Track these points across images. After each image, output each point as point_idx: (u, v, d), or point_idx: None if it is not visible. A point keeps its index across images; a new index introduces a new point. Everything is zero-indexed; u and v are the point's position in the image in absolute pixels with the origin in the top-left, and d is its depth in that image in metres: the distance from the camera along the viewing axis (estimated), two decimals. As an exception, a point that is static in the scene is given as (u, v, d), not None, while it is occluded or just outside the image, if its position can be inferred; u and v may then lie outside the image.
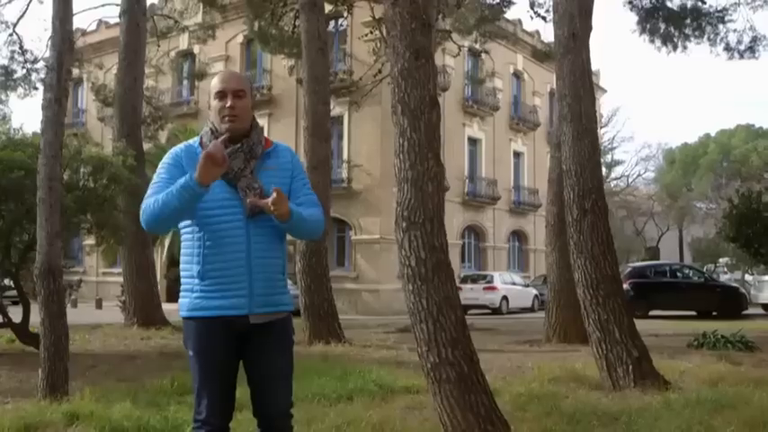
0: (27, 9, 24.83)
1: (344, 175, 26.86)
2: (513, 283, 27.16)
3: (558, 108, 8.64)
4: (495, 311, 24.92)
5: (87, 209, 10.98)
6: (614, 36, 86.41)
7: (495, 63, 29.24)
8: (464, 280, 25.50)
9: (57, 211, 6.70)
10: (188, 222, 3.01)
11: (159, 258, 24.90)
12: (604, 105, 44.36)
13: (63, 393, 6.33)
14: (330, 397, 6.29)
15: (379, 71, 18.39)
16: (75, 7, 7.68)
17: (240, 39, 29.82)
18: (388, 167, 24.55)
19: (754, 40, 16.25)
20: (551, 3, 9.90)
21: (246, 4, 18.59)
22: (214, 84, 3.05)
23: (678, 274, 23.55)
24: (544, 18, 17.24)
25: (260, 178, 2.98)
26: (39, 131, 8.62)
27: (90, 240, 17.37)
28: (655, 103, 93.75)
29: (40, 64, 20.54)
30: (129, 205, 14.06)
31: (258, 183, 2.96)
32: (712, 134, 59.29)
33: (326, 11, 14.72)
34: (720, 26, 16.03)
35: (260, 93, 27.87)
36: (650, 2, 15.84)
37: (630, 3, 15.88)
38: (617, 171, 54.36)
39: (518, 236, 35.81)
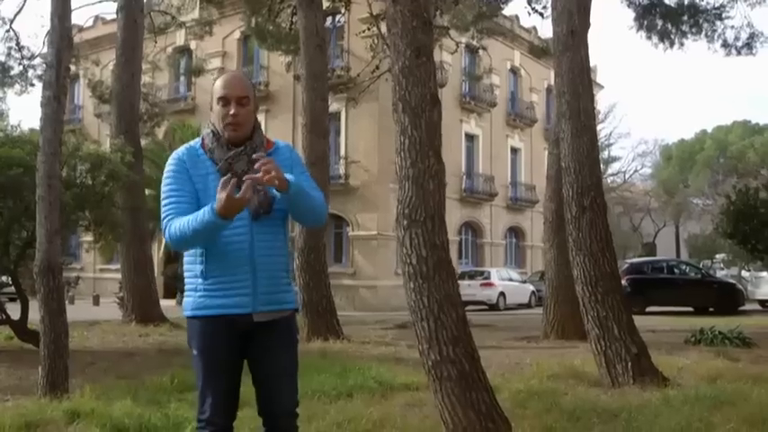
0: (24, 5, 24.84)
1: (342, 171, 26.85)
2: (510, 280, 27.27)
3: (556, 105, 8.64)
4: (493, 307, 25.03)
5: (86, 206, 10.98)
6: (611, 32, 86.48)
7: (492, 59, 29.18)
8: (461, 276, 25.49)
9: (56, 208, 6.69)
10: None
11: (156, 255, 24.87)
12: (601, 101, 44.41)
13: (63, 391, 6.33)
14: (330, 394, 6.30)
15: (377, 67, 18.38)
16: (73, 3, 7.66)
17: (237, 35, 29.78)
18: (386, 164, 24.62)
19: (752, 36, 16.28)
20: (550, -1, 9.89)
21: (244, 1, 18.55)
22: (217, 88, 3.01)
23: (675, 270, 23.64)
24: (541, 14, 17.27)
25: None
26: (36, 128, 8.63)
27: (87, 237, 17.40)
28: (651, 100, 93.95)
29: (38, 60, 20.49)
30: (127, 202, 14.11)
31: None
32: (709, 130, 59.27)
33: (324, 7, 14.70)
34: (718, 23, 16.05)
35: (257, 89, 27.71)
36: (648, -2, 15.85)
37: (628, -1, 15.90)
38: (614, 167, 54.41)
39: (515, 232, 35.85)
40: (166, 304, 18.29)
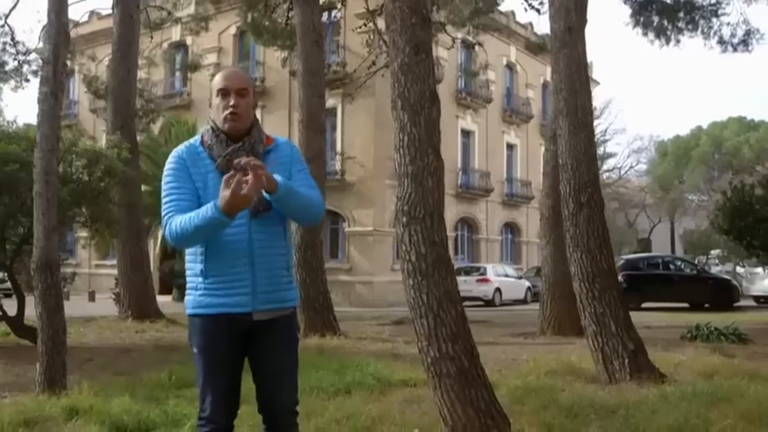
0: (19, 0, 24.65)
1: (338, 167, 26.83)
2: (506, 276, 27.33)
3: (553, 102, 8.64)
4: (488, 303, 25.06)
5: (82, 202, 10.96)
6: (606, 28, 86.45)
7: (489, 55, 29.21)
8: (457, 272, 25.47)
9: (54, 205, 6.67)
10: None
11: (153, 251, 24.85)
12: (597, 97, 44.37)
13: (61, 387, 6.33)
14: (328, 390, 6.30)
15: (373, 63, 18.39)
16: (69, -1, 7.62)
17: (233, 30, 29.70)
18: (382, 159, 24.58)
19: (748, 33, 16.27)
20: (547, -4, 9.88)
21: (240, -4, 18.52)
22: (216, 81, 3.01)
23: (671, 266, 23.67)
24: (538, 10, 17.27)
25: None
26: (32, 124, 8.60)
27: (83, 233, 17.35)
28: (647, 96, 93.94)
29: (33, 56, 20.43)
30: (123, 198, 14.09)
31: None
32: (704, 126, 59.41)
33: (320, 2, 14.67)
34: (714, 19, 16.04)
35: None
36: (644, -5, 15.85)
37: (624, -5, 15.89)
38: (609, 163, 54.43)
39: (511, 228, 35.88)
40: (163, 300, 18.30)
